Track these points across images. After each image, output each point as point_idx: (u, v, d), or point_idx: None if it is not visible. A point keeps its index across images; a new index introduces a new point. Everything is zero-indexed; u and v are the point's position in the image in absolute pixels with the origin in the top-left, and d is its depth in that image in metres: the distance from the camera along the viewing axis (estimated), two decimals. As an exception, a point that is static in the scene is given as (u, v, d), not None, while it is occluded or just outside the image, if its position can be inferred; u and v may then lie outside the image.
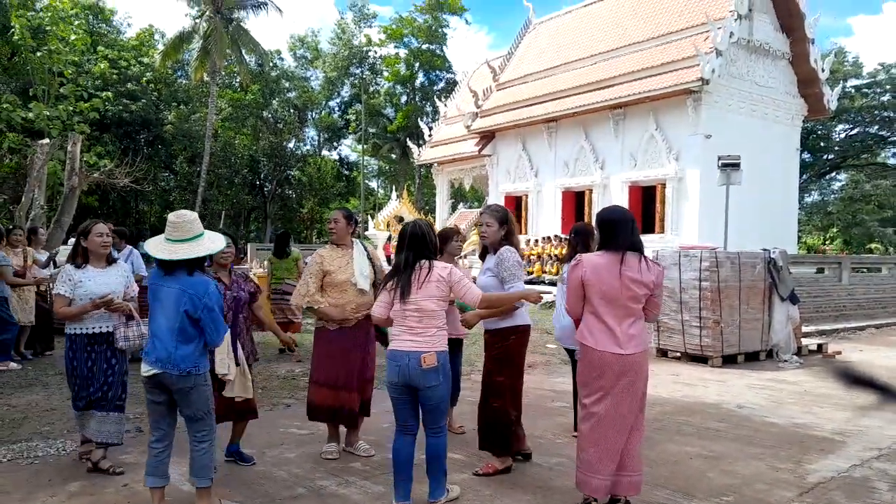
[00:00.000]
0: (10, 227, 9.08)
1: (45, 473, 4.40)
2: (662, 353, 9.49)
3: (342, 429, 4.97)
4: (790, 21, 21.81)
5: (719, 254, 9.10)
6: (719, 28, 19.43)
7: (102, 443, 4.43)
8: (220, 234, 4.00)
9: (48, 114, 18.45)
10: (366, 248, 4.95)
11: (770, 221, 20.65)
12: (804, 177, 36.70)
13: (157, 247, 3.74)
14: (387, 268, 4.37)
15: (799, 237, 31.71)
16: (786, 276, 9.55)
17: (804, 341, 10.11)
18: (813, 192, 44.45)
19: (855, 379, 1.75)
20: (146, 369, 3.65)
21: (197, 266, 3.76)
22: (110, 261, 4.62)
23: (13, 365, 7.86)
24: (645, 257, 3.82)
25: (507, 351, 4.55)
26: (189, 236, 3.72)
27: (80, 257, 4.49)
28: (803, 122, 23.62)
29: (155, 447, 3.72)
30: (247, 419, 4.60)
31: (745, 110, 21.14)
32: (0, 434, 5.23)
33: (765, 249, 9.70)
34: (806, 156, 36.21)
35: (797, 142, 23.37)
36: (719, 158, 14.61)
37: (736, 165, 14.25)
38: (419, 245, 3.84)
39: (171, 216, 3.82)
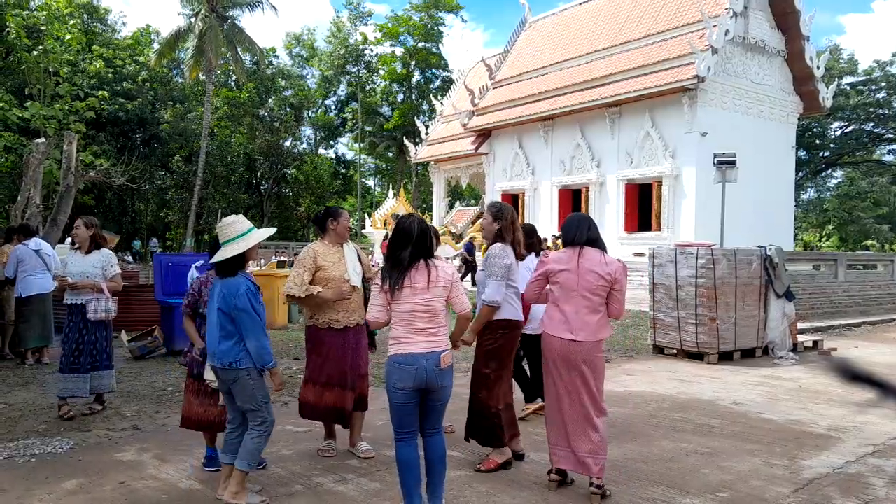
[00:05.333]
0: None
1: (42, 471, 4.39)
2: (659, 350, 9.50)
3: (339, 427, 4.97)
4: (785, 19, 21.86)
5: (715, 251, 9.11)
6: (715, 26, 19.46)
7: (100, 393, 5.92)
8: (262, 231, 4.07)
9: (44, 113, 18.41)
10: (354, 247, 4.97)
11: (766, 218, 20.72)
12: (800, 174, 36.78)
13: (217, 252, 3.98)
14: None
15: (795, 234, 31.79)
16: (782, 273, 9.58)
17: (800, 338, 10.13)
18: (809, 190, 44.56)
19: (853, 375, 1.75)
20: (209, 361, 4.01)
21: (237, 266, 3.91)
22: (90, 249, 5.87)
23: None
24: (604, 253, 4.19)
25: (496, 345, 4.56)
26: (229, 238, 3.91)
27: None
28: (799, 119, 23.67)
29: (228, 427, 4.01)
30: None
31: (741, 108, 21.18)
32: (-4, 433, 5.24)
33: (761, 246, 9.71)
34: (802, 153, 36.30)
35: (793, 139, 23.43)
36: (715, 156, 14.65)
37: (732, 163, 14.28)
38: (423, 244, 3.66)
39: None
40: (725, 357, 9.01)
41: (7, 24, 19.76)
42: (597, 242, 4.18)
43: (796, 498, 4.13)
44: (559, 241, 4.52)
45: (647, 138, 21.36)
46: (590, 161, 23.16)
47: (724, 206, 14.33)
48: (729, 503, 4.03)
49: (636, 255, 19.24)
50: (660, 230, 21.04)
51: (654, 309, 9.51)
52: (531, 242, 5.60)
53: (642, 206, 22.28)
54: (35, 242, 8.25)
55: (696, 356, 9.03)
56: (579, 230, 4.19)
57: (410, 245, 3.64)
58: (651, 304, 9.58)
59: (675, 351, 9.31)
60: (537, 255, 5.79)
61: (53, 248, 9.29)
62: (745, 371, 8.40)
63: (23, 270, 7.97)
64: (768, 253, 9.54)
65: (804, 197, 43.62)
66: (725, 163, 14.25)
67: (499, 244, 4.58)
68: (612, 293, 4.10)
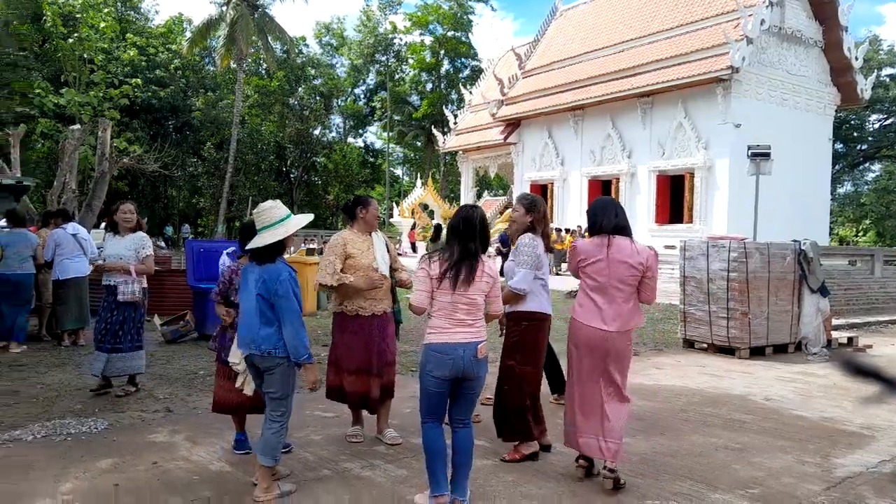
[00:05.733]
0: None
1: (77, 450, 4.49)
2: (689, 344, 9.40)
3: (366, 413, 5.00)
4: (823, 8, 21.35)
5: (748, 244, 8.96)
6: (750, 15, 19.09)
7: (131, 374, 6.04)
8: (301, 217, 3.98)
9: (79, 100, 18.76)
10: (382, 236, 5.01)
11: (801, 212, 20.35)
12: (836, 167, 36.01)
13: (254, 238, 3.86)
14: (412, 255, 4.29)
15: (831, 228, 31.18)
16: (816, 268, 9.40)
17: (834, 334, 9.93)
18: (845, 183, 43.64)
19: (858, 370, 1.72)
20: (241, 352, 3.90)
21: (276, 252, 3.81)
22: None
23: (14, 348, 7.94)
24: (634, 241, 4.09)
25: (520, 337, 4.56)
26: (267, 224, 3.80)
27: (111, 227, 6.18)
28: (836, 111, 23.16)
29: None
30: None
31: (776, 99, 20.78)
32: (34, 411, 5.36)
33: (795, 241, 9.53)
34: (838, 146, 35.51)
35: (829, 131, 22.93)
36: (749, 148, 14.40)
37: (766, 155, 14.03)
38: (484, 237, 3.68)
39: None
40: (757, 352, 8.88)
41: (44, 12, 20.12)
42: (625, 230, 4.08)
43: (828, 496, 4.06)
44: (587, 233, 4.46)
45: (679, 129, 21.07)
46: (620, 152, 22.92)
47: (757, 199, 14.09)
48: (759, 500, 3.98)
49: (667, 247, 19.01)
50: (692, 223, 20.78)
51: (684, 302, 9.40)
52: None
53: (674, 197, 22.01)
54: (72, 227, 8.43)
55: (726, 351, 8.91)
56: (606, 217, 4.08)
57: (476, 238, 3.65)
58: (681, 297, 9.47)
59: (705, 345, 9.19)
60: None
61: (89, 232, 9.47)
62: (778, 366, 8.27)
63: (60, 254, 8.15)
64: (802, 247, 9.36)
65: (840, 191, 42.71)
66: (760, 155, 14.00)
67: (529, 234, 4.58)
68: (644, 281, 4.05)
